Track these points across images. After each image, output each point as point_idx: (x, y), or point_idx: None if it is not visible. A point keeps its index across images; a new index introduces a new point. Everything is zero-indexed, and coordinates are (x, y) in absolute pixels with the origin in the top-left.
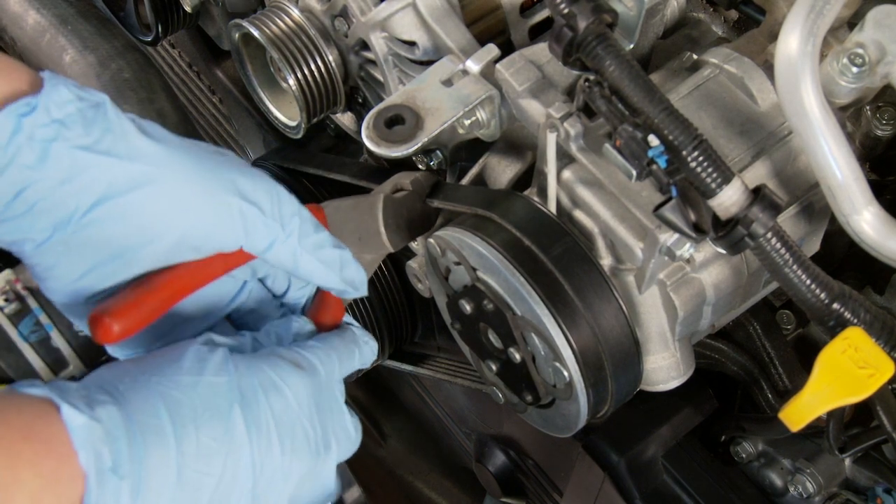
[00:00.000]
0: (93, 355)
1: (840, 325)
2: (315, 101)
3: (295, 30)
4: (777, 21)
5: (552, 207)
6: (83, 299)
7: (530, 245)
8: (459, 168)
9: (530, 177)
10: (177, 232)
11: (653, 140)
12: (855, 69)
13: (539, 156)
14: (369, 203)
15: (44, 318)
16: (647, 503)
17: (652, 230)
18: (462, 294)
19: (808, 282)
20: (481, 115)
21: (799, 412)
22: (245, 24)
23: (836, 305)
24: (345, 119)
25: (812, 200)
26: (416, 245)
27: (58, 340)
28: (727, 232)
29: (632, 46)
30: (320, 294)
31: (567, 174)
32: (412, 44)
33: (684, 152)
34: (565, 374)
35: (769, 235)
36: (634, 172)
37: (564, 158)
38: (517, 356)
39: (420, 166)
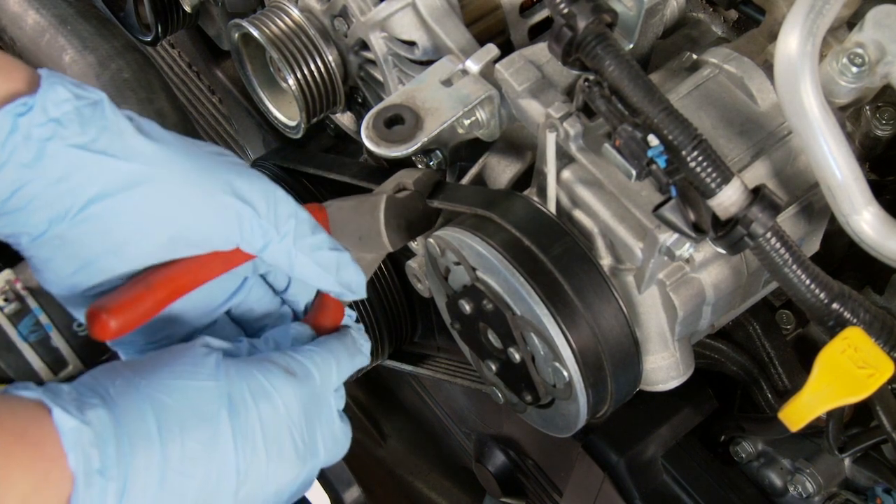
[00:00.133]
0: (92, 355)
1: (839, 324)
2: (315, 101)
3: (294, 30)
4: (777, 21)
5: (552, 207)
6: (80, 292)
7: (530, 245)
8: (459, 168)
9: (530, 177)
10: (171, 231)
11: (652, 140)
12: (854, 69)
13: (538, 156)
14: (372, 203)
15: (43, 318)
16: (647, 503)
17: (651, 230)
18: (462, 294)
19: (808, 282)
20: (481, 115)
21: (798, 412)
22: (245, 24)
23: (835, 305)
24: (344, 119)
25: (812, 200)
26: (415, 245)
27: (57, 340)
28: (727, 232)
29: (631, 46)
30: (320, 295)
31: (566, 174)
32: (412, 44)
33: (684, 152)
34: (565, 374)
35: (769, 235)
36: (634, 172)
37: (564, 158)
38: (517, 356)
39: (419, 166)
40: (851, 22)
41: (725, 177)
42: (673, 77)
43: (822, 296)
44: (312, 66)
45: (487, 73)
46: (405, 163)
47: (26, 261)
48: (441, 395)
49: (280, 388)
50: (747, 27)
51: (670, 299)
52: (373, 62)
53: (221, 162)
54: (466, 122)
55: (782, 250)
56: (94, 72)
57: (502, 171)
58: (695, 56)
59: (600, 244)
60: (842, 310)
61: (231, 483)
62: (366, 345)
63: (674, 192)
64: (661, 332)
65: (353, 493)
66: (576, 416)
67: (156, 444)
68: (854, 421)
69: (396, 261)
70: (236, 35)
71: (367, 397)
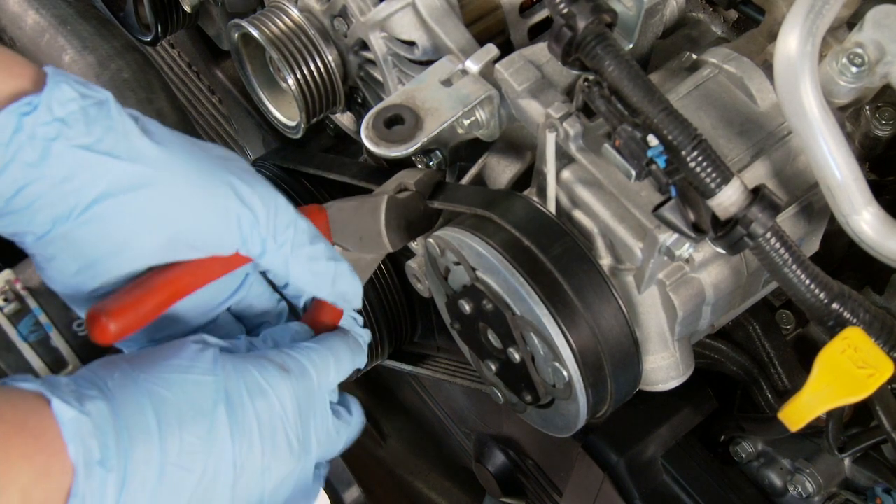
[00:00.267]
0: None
1: (839, 324)
2: (314, 101)
3: (294, 30)
4: (776, 21)
5: (551, 207)
6: (84, 292)
7: (530, 245)
8: (459, 168)
9: (530, 177)
10: (172, 232)
11: (652, 140)
12: (854, 69)
13: (538, 156)
14: (373, 204)
15: (43, 318)
16: (647, 503)
17: (651, 230)
18: (461, 294)
19: (808, 282)
20: (480, 115)
21: (798, 412)
22: (244, 24)
23: (835, 305)
24: (344, 119)
25: (811, 200)
26: (415, 245)
27: (57, 340)
28: (726, 232)
29: (631, 46)
30: None
31: (566, 174)
32: (411, 44)
33: (683, 152)
34: (565, 374)
35: (768, 235)
36: (634, 172)
37: (564, 158)
38: (516, 356)
39: (419, 166)
40: (851, 22)
41: (725, 177)
42: (673, 77)
43: (821, 296)
44: (312, 66)
45: (487, 73)
46: (405, 163)
47: (27, 260)
48: (441, 395)
49: (275, 385)
50: (747, 27)
51: (670, 299)
52: (372, 62)
53: (225, 166)
54: (466, 122)
55: (782, 250)
56: (93, 72)
57: (502, 171)
58: (694, 56)
59: (600, 244)
60: (842, 310)
61: (228, 477)
62: (366, 338)
63: (673, 192)
64: (661, 332)
65: (353, 493)
66: (576, 416)
67: (155, 437)
68: (854, 421)
69: (396, 261)
70: (236, 35)
71: (367, 397)
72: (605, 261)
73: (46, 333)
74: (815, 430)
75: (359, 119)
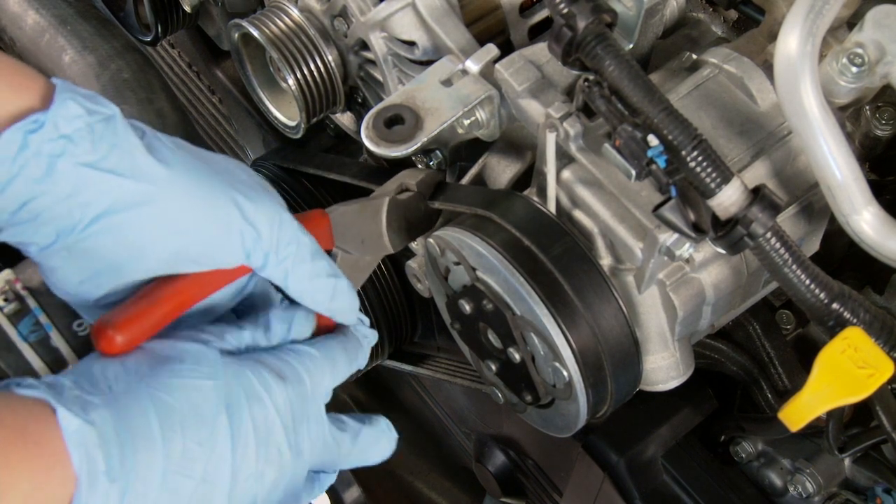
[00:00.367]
0: None
1: (839, 324)
2: (315, 101)
3: (294, 30)
4: (776, 21)
5: (552, 207)
6: (89, 300)
7: (530, 245)
8: (459, 168)
9: (530, 177)
10: (174, 248)
11: (652, 140)
12: (854, 69)
13: (538, 156)
14: (374, 207)
15: (43, 318)
16: (647, 503)
17: (651, 230)
18: (462, 294)
19: (808, 282)
20: (481, 115)
21: (798, 412)
22: (244, 24)
23: (835, 305)
24: (344, 119)
25: (812, 200)
26: (415, 245)
27: (57, 340)
28: (727, 232)
29: (631, 46)
30: None
31: (566, 174)
32: (412, 44)
33: (683, 152)
34: (565, 374)
35: (768, 235)
36: (634, 172)
37: (564, 158)
38: (517, 356)
39: (419, 166)
40: (851, 22)
41: (725, 177)
42: (673, 77)
43: (822, 296)
44: (312, 66)
45: (487, 73)
46: (405, 163)
47: (27, 260)
48: (441, 395)
49: (271, 391)
50: (747, 27)
51: (670, 299)
52: (373, 62)
53: (229, 181)
54: (466, 122)
55: (782, 250)
56: (93, 72)
57: (502, 171)
58: (695, 56)
59: (600, 244)
60: (842, 310)
61: (226, 482)
62: (370, 340)
63: (674, 192)
64: (661, 332)
65: (353, 493)
66: (576, 416)
67: (158, 445)
68: (854, 421)
69: (396, 261)
70: (236, 35)
71: (367, 397)
72: (606, 261)
73: (46, 333)
74: (815, 430)
75: (359, 119)
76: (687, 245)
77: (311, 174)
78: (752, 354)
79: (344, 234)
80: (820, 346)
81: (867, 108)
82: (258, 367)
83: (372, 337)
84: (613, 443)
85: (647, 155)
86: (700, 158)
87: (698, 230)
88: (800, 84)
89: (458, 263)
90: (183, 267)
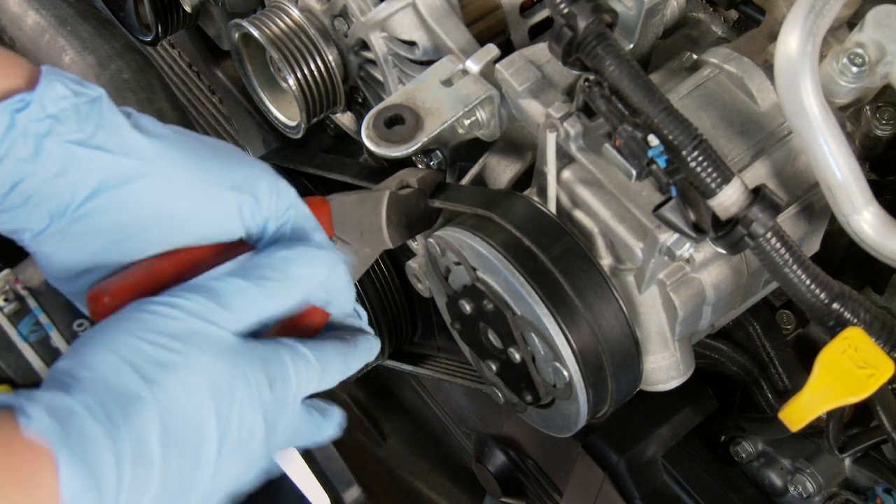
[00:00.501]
0: None
1: (840, 324)
2: (315, 101)
3: (295, 30)
4: (777, 21)
5: (552, 207)
6: (86, 287)
7: (530, 245)
8: (459, 168)
9: (530, 177)
10: (170, 224)
11: (652, 140)
12: (855, 69)
13: (539, 156)
14: (375, 199)
15: (43, 318)
16: (647, 503)
17: (652, 230)
18: (462, 294)
19: (808, 282)
20: (481, 114)
21: (799, 412)
22: (245, 24)
23: (835, 305)
24: (345, 119)
25: (812, 200)
26: (415, 245)
27: (57, 340)
28: (727, 232)
29: (631, 46)
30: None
31: (567, 174)
32: (412, 44)
33: (684, 152)
34: (565, 374)
35: (769, 235)
36: (634, 172)
37: (564, 158)
38: (517, 356)
39: (420, 166)
40: (851, 22)
41: (726, 177)
42: (673, 77)
43: (822, 296)
44: (312, 66)
45: (488, 73)
46: (405, 163)
47: (27, 260)
48: (441, 395)
49: (259, 394)
50: (747, 27)
51: (670, 299)
52: (373, 62)
53: (220, 155)
54: (467, 122)
55: (782, 250)
56: (93, 72)
57: (502, 171)
58: (695, 56)
59: (600, 244)
60: (842, 310)
61: (207, 486)
62: (372, 350)
63: (674, 192)
64: (662, 332)
65: (353, 493)
66: (576, 416)
67: (156, 470)
68: (854, 421)
69: (397, 261)
70: (236, 35)
71: (367, 397)
72: (606, 261)
73: (47, 333)
74: (815, 430)
75: (359, 119)
76: (687, 245)
77: (312, 174)
78: (753, 354)
79: (343, 223)
80: (820, 346)
81: (867, 108)
82: (249, 370)
83: (374, 341)
84: (613, 443)
85: (648, 155)
86: (700, 158)
87: (699, 230)
88: (800, 84)
89: (458, 263)
90: (182, 242)
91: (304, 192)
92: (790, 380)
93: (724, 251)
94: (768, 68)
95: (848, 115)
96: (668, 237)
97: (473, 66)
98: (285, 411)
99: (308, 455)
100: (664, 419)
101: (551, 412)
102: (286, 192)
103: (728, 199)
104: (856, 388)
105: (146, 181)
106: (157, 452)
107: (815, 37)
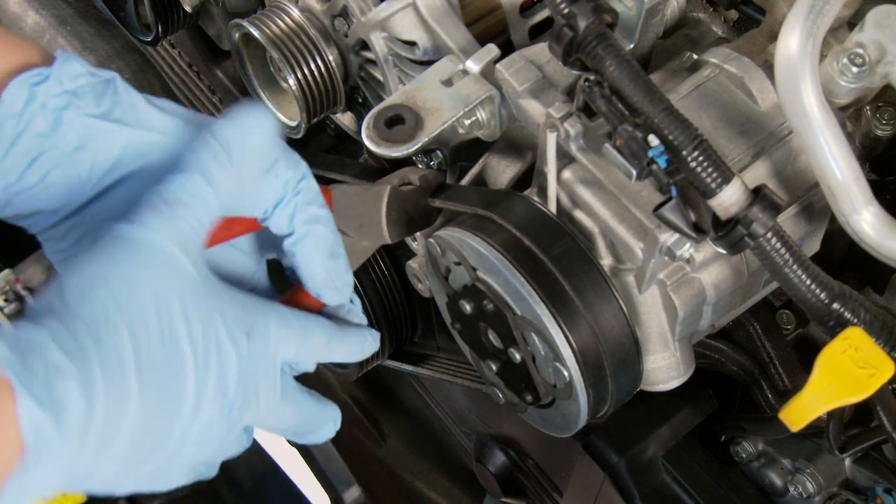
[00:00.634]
0: None
1: (840, 324)
2: (315, 101)
3: (295, 30)
4: (777, 21)
5: (552, 207)
6: None
7: (530, 245)
8: (459, 168)
9: (530, 177)
10: None
11: (653, 140)
12: (855, 69)
13: (539, 156)
14: (375, 193)
15: None
16: (647, 503)
17: (652, 230)
18: (462, 294)
19: (808, 282)
20: (481, 115)
21: (799, 412)
22: (245, 24)
23: (836, 305)
24: (345, 119)
25: (812, 200)
26: (416, 245)
27: None
28: (727, 232)
29: (632, 46)
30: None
31: (567, 174)
32: (412, 44)
33: (684, 152)
34: (565, 374)
35: (769, 235)
36: (634, 172)
37: (564, 158)
38: (517, 356)
39: (420, 166)
40: (852, 22)
41: (726, 177)
42: (673, 77)
43: (822, 296)
44: (313, 66)
45: (488, 73)
46: (406, 163)
47: (27, 260)
48: (441, 395)
49: (237, 346)
50: (747, 27)
51: (671, 299)
52: (373, 62)
53: None
54: (467, 122)
55: (783, 250)
56: None
57: (503, 171)
58: (695, 56)
59: (601, 244)
60: (842, 310)
61: (179, 434)
62: (364, 344)
63: (674, 192)
64: (662, 332)
65: (353, 493)
66: (576, 416)
67: (133, 398)
68: (854, 421)
69: (397, 261)
70: (237, 35)
71: (367, 397)
72: (606, 261)
73: None
74: (815, 430)
75: (359, 119)
76: (687, 245)
77: (312, 174)
78: (753, 354)
79: (343, 214)
80: (820, 346)
81: (867, 108)
82: (234, 306)
83: (369, 336)
84: (614, 443)
85: (648, 155)
86: (701, 158)
87: (699, 230)
88: (800, 84)
89: (458, 263)
90: None
91: None
92: (790, 380)
93: (724, 251)
94: (768, 68)
95: (848, 115)
96: (668, 237)
97: (474, 66)
98: (265, 372)
99: (308, 454)
100: (664, 419)
101: (551, 412)
102: (299, 164)
103: (728, 199)
104: (856, 388)
105: (163, 155)
106: (132, 380)
107: (816, 37)
